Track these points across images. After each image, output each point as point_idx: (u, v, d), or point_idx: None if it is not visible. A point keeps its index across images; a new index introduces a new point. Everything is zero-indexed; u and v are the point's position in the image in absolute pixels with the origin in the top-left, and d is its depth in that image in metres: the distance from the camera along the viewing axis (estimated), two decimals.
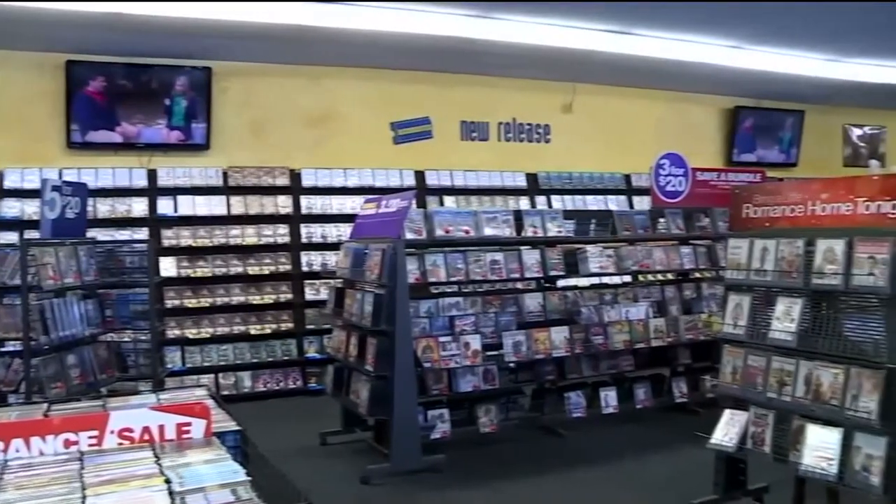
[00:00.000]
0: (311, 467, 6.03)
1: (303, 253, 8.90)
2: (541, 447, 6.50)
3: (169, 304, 8.26)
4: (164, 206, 8.40)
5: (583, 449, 6.39)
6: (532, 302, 6.78)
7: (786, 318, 4.31)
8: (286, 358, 8.72)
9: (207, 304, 8.45)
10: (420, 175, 9.48)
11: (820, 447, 4.00)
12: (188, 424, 2.34)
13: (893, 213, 3.98)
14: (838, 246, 4.06)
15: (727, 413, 4.60)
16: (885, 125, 13.53)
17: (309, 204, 8.97)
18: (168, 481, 1.96)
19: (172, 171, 8.47)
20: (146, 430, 2.31)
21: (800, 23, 7.75)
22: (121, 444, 2.27)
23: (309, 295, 8.84)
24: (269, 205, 8.79)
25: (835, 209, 4.30)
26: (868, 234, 3.96)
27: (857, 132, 13.37)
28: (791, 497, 4.56)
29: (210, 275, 8.48)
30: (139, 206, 8.30)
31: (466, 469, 5.87)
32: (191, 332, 8.34)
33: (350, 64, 9.14)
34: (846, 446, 3.91)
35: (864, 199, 4.15)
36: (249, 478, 2.03)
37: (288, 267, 8.79)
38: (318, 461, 6.27)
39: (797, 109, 12.27)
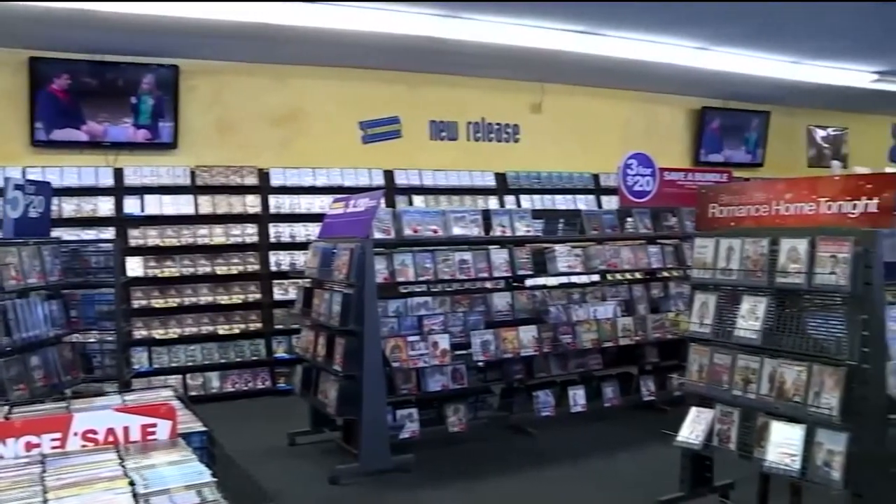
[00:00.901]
0: (279, 468, 6.02)
1: (271, 253, 8.85)
2: (510, 446, 6.52)
3: (136, 304, 8.19)
4: (131, 206, 8.31)
5: (551, 447, 6.41)
6: (500, 301, 6.80)
7: (751, 317, 4.36)
8: (255, 358, 8.67)
9: (175, 305, 8.38)
10: (389, 174, 9.46)
11: (784, 444, 4.05)
12: (153, 426, 2.32)
13: (854, 213, 4.06)
14: (801, 245, 4.11)
15: (693, 411, 4.64)
16: (848, 127, 13.74)
17: (277, 203, 8.93)
18: (132, 483, 1.95)
19: (139, 170, 8.38)
20: (110, 431, 2.29)
21: (764, 25, 7.83)
22: (84, 446, 2.25)
23: (277, 295, 8.81)
24: (237, 204, 8.73)
25: (798, 209, 4.37)
26: (830, 234, 4.02)
27: (820, 133, 13.55)
28: (756, 493, 4.62)
29: (178, 275, 8.41)
30: (105, 206, 8.21)
31: (435, 468, 5.88)
32: (158, 333, 8.27)
33: (319, 63, 9.11)
34: (809, 442, 3.97)
35: (826, 199, 4.22)
36: (215, 479, 2.02)
37: (256, 267, 8.74)
38: (287, 461, 6.25)
39: (762, 110, 12.42)
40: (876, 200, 3.98)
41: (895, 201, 3.95)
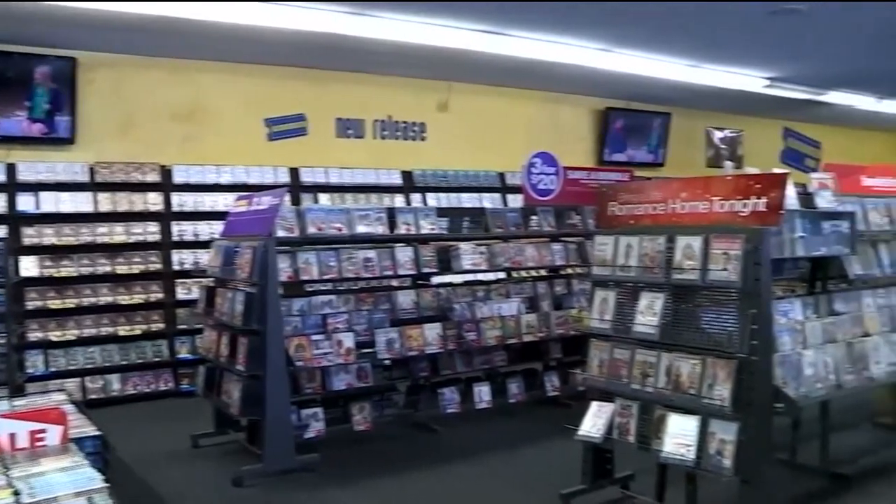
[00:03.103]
0: (181, 471, 5.91)
1: (174, 251, 8.66)
2: (415, 443, 6.55)
3: (30, 305, 7.88)
4: (25, 203, 7.98)
5: (457, 444, 6.46)
6: (405, 299, 6.82)
7: (649, 312, 4.48)
8: (157, 359, 8.47)
9: (73, 305, 8.10)
10: (295, 172, 9.36)
11: (679, 435, 4.19)
12: (42, 431, 2.26)
13: (745, 212, 4.21)
14: (696, 242, 4.25)
15: (594, 405, 4.74)
16: (743, 129, 14.25)
17: (181, 201, 8.72)
18: (17, 493, 1.89)
19: (34, 165, 8.07)
20: None
21: (663, 29, 8.04)
22: None
23: (181, 294, 8.62)
24: (138, 202, 8.51)
25: (693, 207, 4.51)
26: (722, 232, 4.17)
27: (718, 135, 14.01)
28: (654, 483, 4.75)
29: (76, 274, 8.13)
30: None
31: (341, 467, 5.85)
32: (55, 335, 7.99)
33: (223, 59, 8.95)
34: (703, 433, 4.11)
35: (719, 198, 4.36)
36: (108, 485, 1.98)
37: (159, 266, 8.54)
38: (189, 464, 6.13)
39: (664, 112, 12.73)
40: (764, 200, 4.14)
41: (782, 200, 4.12)
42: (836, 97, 11.84)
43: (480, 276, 7.64)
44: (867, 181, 6.04)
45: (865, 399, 6.46)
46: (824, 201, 5.16)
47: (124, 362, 8.27)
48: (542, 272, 7.80)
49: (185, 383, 8.40)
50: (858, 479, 5.39)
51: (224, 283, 6.35)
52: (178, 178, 8.74)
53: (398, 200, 9.80)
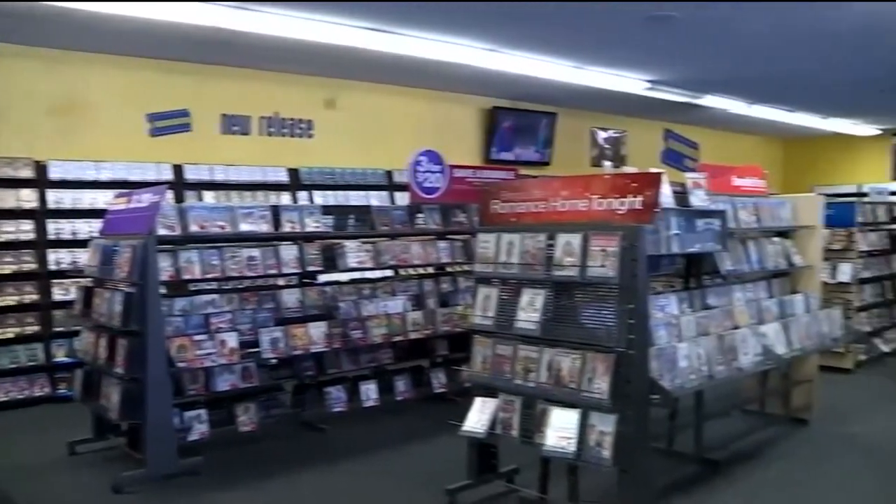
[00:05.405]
0: (57, 480, 5.69)
1: (50, 251, 8.28)
2: (302, 443, 6.49)
3: None
4: None
5: (344, 443, 6.43)
6: (290, 298, 6.74)
7: (530, 309, 4.56)
8: (32, 364, 8.08)
9: None
10: (178, 169, 9.12)
11: (561, 428, 4.29)
12: None
13: (622, 210, 4.33)
14: (575, 240, 4.36)
15: (478, 401, 4.79)
16: (626, 130, 14.66)
17: (57, 198, 8.36)
18: None
19: None
20: None
21: (548, 30, 8.17)
22: None
23: (57, 295, 8.25)
24: (9, 199, 8.11)
25: (573, 206, 4.61)
26: (600, 229, 4.29)
27: (602, 135, 14.37)
28: (538, 476, 4.85)
29: None
30: None
31: (226, 470, 5.75)
32: None
33: (102, 50, 8.63)
34: (583, 425, 4.22)
35: (598, 196, 4.48)
36: None
37: (33, 266, 8.16)
38: (66, 473, 5.89)
39: (550, 112, 12.96)
40: (640, 198, 4.27)
41: (657, 199, 4.27)
42: (711, 101, 12.33)
43: (367, 274, 7.61)
44: (737, 181, 6.33)
45: (735, 388, 6.78)
46: (698, 200, 5.37)
47: None
48: (429, 270, 7.84)
49: (63, 388, 8.06)
50: (727, 464, 5.70)
51: (102, 284, 6.14)
52: (55, 174, 8.38)
53: (285, 198, 9.67)
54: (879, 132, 16.44)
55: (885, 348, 9.72)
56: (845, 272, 8.90)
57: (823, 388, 7.06)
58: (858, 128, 15.86)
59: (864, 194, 11.95)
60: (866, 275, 9.29)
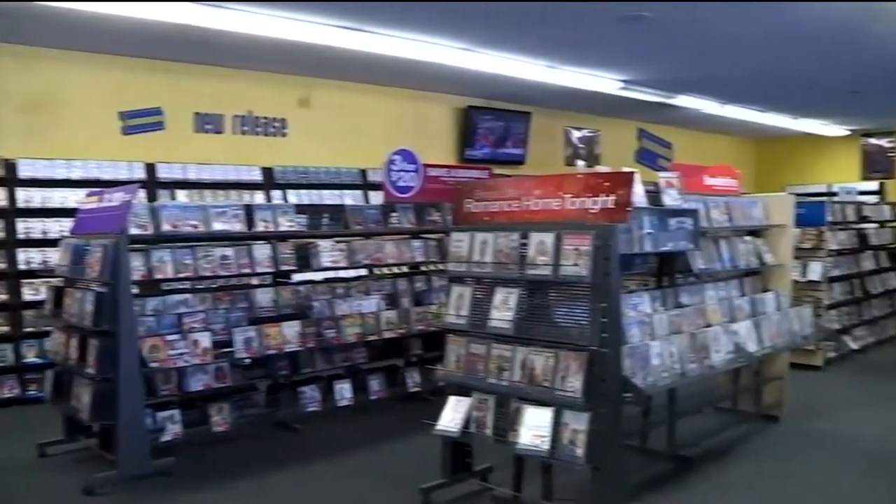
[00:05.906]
0: (27, 483, 5.63)
1: (20, 250, 8.17)
2: (276, 443, 6.46)
3: None
4: None
5: (319, 442, 6.41)
6: (264, 297, 6.72)
7: (504, 307, 4.57)
8: (1, 365, 7.98)
9: None
10: (151, 168, 9.04)
11: (535, 426, 4.29)
12: None
13: (595, 209, 4.35)
14: (548, 239, 4.37)
15: (452, 400, 4.79)
16: (600, 129, 14.73)
17: (27, 197, 8.26)
18: None
19: None
20: None
21: (520, 29, 8.20)
22: None
23: (28, 295, 8.15)
24: None
25: (546, 205, 4.62)
26: (573, 228, 4.30)
27: (576, 134, 14.44)
28: (512, 475, 4.86)
29: None
30: None
31: (199, 470, 5.71)
32: None
33: (73, 47, 8.53)
34: (557, 424, 4.23)
35: (571, 195, 4.50)
36: None
37: (2, 265, 8.06)
38: (36, 475, 5.82)
39: (525, 111, 13.00)
40: (613, 197, 4.29)
41: (630, 198, 4.29)
42: (684, 101, 12.43)
43: (341, 274, 7.59)
44: (709, 181, 6.38)
45: (707, 385, 6.83)
46: (671, 199, 5.40)
47: None
48: (403, 269, 7.83)
49: (33, 389, 7.96)
50: (700, 461, 5.74)
51: (73, 283, 6.08)
52: (25, 172, 8.27)
53: (258, 197, 9.62)
54: (849, 133, 16.67)
55: (854, 346, 9.84)
56: (815, 271, 8.99)
57: (794, 385, 7.14)
58: (828, 128, 16.08)
59: (834, 194, 12.11)
60: (836, 273, 9.40)
